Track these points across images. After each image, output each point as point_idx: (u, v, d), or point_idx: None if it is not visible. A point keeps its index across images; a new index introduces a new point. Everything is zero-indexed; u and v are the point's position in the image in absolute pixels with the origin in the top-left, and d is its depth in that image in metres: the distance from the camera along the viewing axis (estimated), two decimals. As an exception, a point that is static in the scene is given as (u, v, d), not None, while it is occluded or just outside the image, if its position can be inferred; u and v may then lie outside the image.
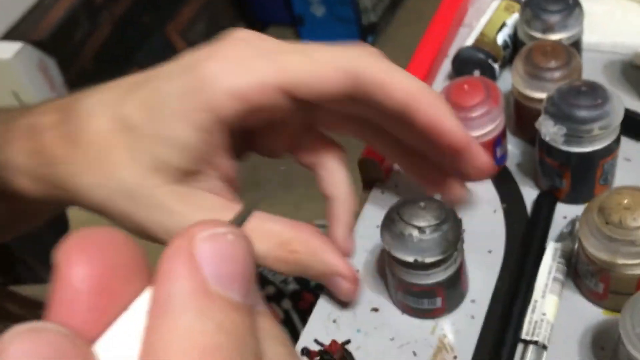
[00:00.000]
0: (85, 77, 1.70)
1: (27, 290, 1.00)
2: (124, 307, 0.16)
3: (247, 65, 0.33)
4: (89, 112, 0.34)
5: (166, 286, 0.15)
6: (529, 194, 0.56)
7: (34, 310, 0.39)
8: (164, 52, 1.94)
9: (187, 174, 0.34)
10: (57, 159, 0.34)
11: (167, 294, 0.15)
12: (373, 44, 2.17)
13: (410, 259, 0.46)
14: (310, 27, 2.15)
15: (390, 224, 0.47)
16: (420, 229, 0.45)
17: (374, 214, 0.58)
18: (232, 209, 0.34)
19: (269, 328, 0.17)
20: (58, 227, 1.38)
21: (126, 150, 0.33)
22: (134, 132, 0.33)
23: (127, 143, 0.32)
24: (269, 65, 0.33)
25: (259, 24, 2.28)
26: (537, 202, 0.55)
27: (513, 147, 0.60)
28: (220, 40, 0.35)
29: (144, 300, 0.16)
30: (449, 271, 0.47)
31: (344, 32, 2.12)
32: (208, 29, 2.09)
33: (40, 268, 1.34)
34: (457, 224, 0.47)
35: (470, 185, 0.58)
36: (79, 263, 0.16)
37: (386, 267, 0.50)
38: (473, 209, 0.56)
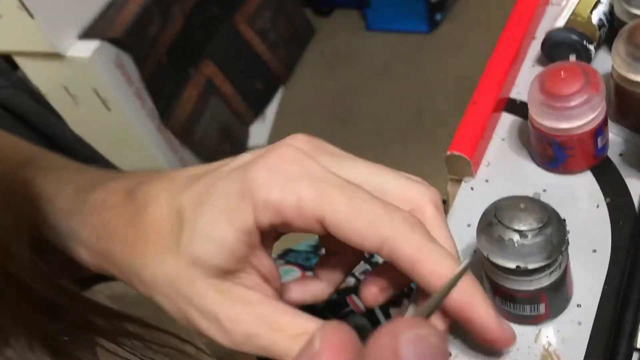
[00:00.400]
0: (160, 71, 1.73)
1: (114, 286, 1.03)
2: None
3: (292, 183, 0.33)
4: (151, 197, 0.37)
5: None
6: (636, 186, 0.52)
7: (123, 323, 0.41)
8: (233, 42, 1.95)
9: (227, 272, 0.35)
10: (116, 236, 0.37)
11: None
12: (442, 21, 2.11)
13: (511, 265, 0.43)
14: (376, 7, 2.11)
15: (487, 227, 0.44)
16: (522, 233, 0.42)
17: (463, 212, 0.55)
18: (268, 303, 0.35)
19: None
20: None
21: (174, 240, 0.35)
22: (184, 224, 0.35)
23: (177, 233, 0.35)
24: (312, 193, 0.33)
25: (325, 9, 2.25)
26: (646, 196, 0.50)
27: (614, 135, 0.55)
28: (276, 147, 0.36)
29: None
30: (554, 276, 0.44)
31: (411, 10, 2.06)
32: (274, 16, 2.09)
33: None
34: (562, 226, 0.43)
35: (569, 179, 0.54)
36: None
37: (482, 270, 0.47)
38: (573, 205, 0.53)
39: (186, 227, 0.34)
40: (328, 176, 0.34)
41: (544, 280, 0.44)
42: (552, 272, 0.44)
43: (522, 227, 0.43)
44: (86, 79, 1.59)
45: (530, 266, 0.42)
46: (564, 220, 0.45)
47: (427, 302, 0.24)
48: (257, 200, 0.33)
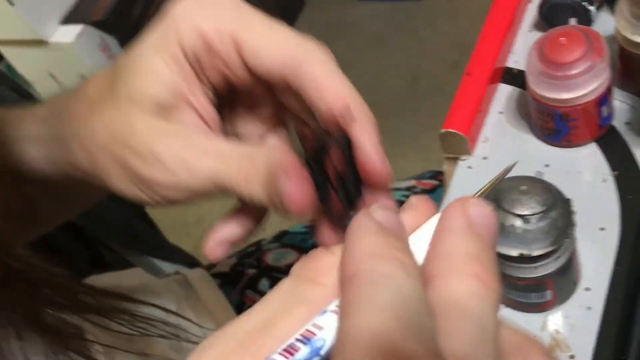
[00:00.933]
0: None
1: (106, 278, 1.01)
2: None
3: (213, 8, 0.35)
4: (93, 76, 0.38)
5: (450, 223, 0.23)
6: (645, 157, 0.48)
7: (109, 299, 0.43)
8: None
9: (163, 109, 0.35)
10: (64, 116, 0.38)
11: (451, 227, 0.23)
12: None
13: (514, 252, 0.39)
14: (366, -25, 2.04)
15: (487, 212, 0.41)
16: (525, 218, 0.39)
17: (461, 193, 0.51)
18: (208, 135, 0.35)
19: None
20: (141, 216, 1.39)
21: (110, 89, 0.35)
22: (118, 71, 0.36)
23: (112, 82, 0.35)
24: (232, 14, 0.35)
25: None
26: (656, 167, 0.47)
27: (619, 103, 0.52)
28: None
29: (433, 222, 0.24)
30: (560, 261, 0.41)
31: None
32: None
33: (124, 252, 1.36)
34: (567, 208, 0.40)
35: (573, 152, 0.51)
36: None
37: (484, 258, 0.44)
38: (579, 180, 0.49)
39: (120, 73, 0.36)
40: (247, 7, 0.35)
41: (550, 266, 0.41)
42: (558, 257, 0.40)
43: (525, 212, 0.39)
44: (71, 65, 1.55)
45: (535, 253, 0.39)
46: (570, 200, 0.41)
47: (481, 190, 0.28)
48: (180, 26, 0.34)
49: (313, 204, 0.30)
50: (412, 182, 0.79)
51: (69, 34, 1.59)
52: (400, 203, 0.74)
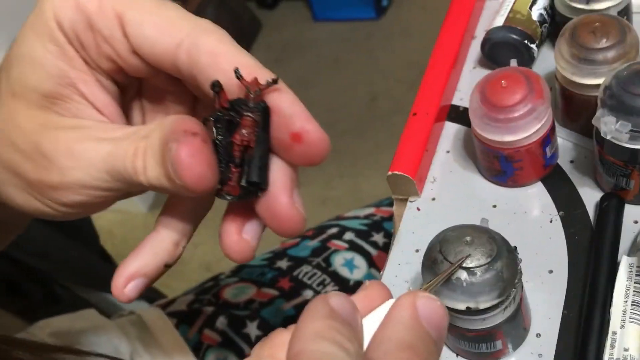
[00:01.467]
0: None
1: (57, 322, 0.98)
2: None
3: None
4: None
5: (396, 313, 0.26)
6: (590, 196, 0.48)
7: (49, 354, 0.42)
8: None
9: (50, 100, 0.31)
10: None
11: (396, 317, 0.26)
12: (389, 7, 2.06)
13: (461, 306, 0.39)
14: (321, -3, 2.05)
15: (432, 265, 0.40)
16: (470, 271, 0.38)
17: (410, 236, 0.51)
18: (100, 124, 0.32)
19: None
20: (95, 250, 1.35)
21: None
22: (3, 65, 0.32)
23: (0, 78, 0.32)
24: None
25: (270, 1, 2.19)
26: (601, 207, 0.47)
27: (563, 141, 0.52)
28: None
29: (385, 307, 0.27)
30: (508, 311, 0.40)
31: (358, -2, 2.01)
32: (218, 12, 2.02)
33: (79, 289, 1.32)
34: (513, 257, 0.40)
35: (519, 192, 0.51)
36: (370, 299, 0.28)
37: (433, 308, 0.43)
38: (526, 220, 0.49)
39: (4, 65, 0.32)
40: None
41: (498, 317, 0.40)
42: (506, 307, 0.40)
43: (470, 264, 0.39)
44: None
45: (482, 306, 0.39)
46: (515, 248, 0.41)
47: (431, 283, 0.33)
48: (56, 9, 0.30)
49: (211, 175, 0.27)
50: (372, 210, 0.78)
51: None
52: (360, 232, 0.73)
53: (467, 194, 0.52)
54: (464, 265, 0.39)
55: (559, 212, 0.49)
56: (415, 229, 0.51)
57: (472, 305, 0.38)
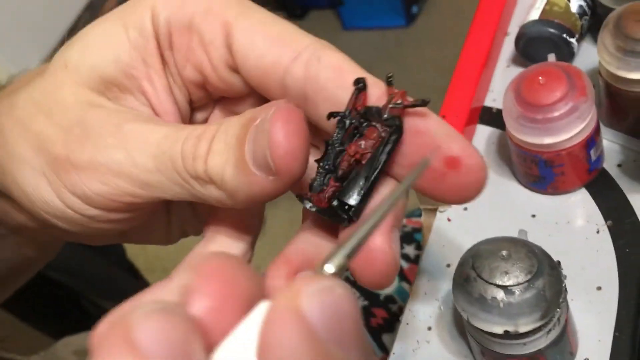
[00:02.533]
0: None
1: (79, 339, 0.96)
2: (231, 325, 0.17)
3: None
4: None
5: (273, 334, 0.15)
6: (641, 203, 0.44)
7: None
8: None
9: (107, 86, 0.26)
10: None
11: (274, 342, 0.15)
12: (419, 14, 2.03)
13: (497, 329, 0.34)
14: (350, 5, 2.03)
15: (465, 283, 0.36)
16: (508, 290, 0.34)
17: (440, 249, 0.47)
18: (157, 121, 0.26)
19: None
20: (120, 264, 1.34)
21: (44, 67, 0.28)
22: (65, 46, 0.28)
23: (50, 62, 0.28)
24: None
25: (299, 11, 2.17)
26: (654, 215, 0.42)
27: (609, 143, 0.47)
28: None
29: (258, 314, 0.16)
30: (552, 335, 0.36)
31: (387, 5, 1.98)
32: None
33: (105, 303, 1.31)
34: (556, 273, 0.35)
35: (561, 200, 0.46)
36: (205, 294, 0.17)
37: (466, 330, 0.39)
38: (569, 232, 0.44)
39: (67, 45, 0.27)
40: None
41: (541, 342, 0.36)
42: (549, 330, 0.35)
43: (507, 282, 0.34)
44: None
45: (522, 329, 0.34)
46: (559, 263, 0.36)
47: (349, 239, 0.18)
48: (157, 1, 0.26)
49: (303, 157, 0.22)
50: (403, 220, 0.74)
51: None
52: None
53: (503, 202, 0.47)
54: (499, 283, 0.34)
55: (606, 221, 0.44)
56: (446, 242, 0.47)
57: (510, 328, 0.34)
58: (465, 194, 0.24)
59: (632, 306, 0.40)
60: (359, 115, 0.24)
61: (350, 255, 0.18)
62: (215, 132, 0.23)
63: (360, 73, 0.24)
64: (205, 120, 0.29)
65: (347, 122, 0.24)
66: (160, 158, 0.24)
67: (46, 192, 0.26)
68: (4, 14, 1.43)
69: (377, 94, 0.24)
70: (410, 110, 0.23)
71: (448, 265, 0.46)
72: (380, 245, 0.23)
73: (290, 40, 0.25)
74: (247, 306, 0.17)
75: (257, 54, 0.25)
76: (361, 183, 0.23)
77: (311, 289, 0.15)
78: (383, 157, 0.23)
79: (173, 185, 0.24)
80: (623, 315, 0.40)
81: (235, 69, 0.26)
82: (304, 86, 0.25)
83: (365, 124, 0.24)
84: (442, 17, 2.00)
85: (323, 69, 0.24)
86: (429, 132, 0.23)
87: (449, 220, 0.48)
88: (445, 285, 0.45)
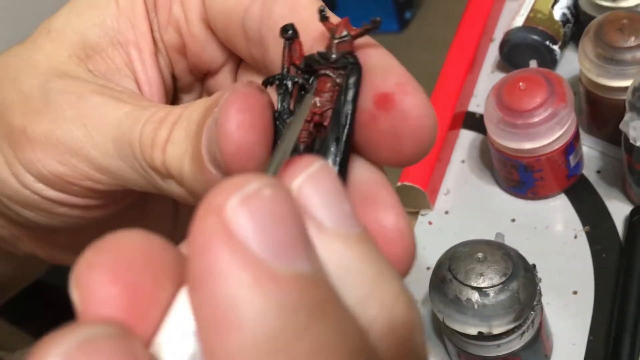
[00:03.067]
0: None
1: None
2: (162, 312, 0.14)
3: None
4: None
5: (209, 286, 0.12)
6: (618, 209, 0.44)
7: None
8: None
9: (88, 53, 0.24)
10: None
11: (213, 295, 0.12)
12: (412, 19, 2.03)
13: (472, 330, 0.35)
14: (343, 9, 2.03)
15: (440, 284, 0.36)
16: (482, 291, 0.35)
17: (421, 252, 0.47)
18: (135, 97, 0.24)
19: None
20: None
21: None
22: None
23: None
24: None
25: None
26: (631, 221, 0.42)
27: (589, 149, 0.48)
28: None
29: (183, 300, 0.14)
30: (526, 336, 0.36)
31: (379, 10, 1.99)
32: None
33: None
34: (530, 275, 0.36)
35: (540, 205, 0.47)
36: (102, 283, 0.13)
37: (442, 332, 0.39)
38: (547, 236, 0.45)
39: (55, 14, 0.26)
40: None
41: (515, 343, 0.36)
42: (523, 332, 0.36)
43: (482, 284, 0.35)
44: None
45: (496, 330, 0.35)
46: (534, 266, 0.37)
47: (273, 155, 0.16)
48: None
49: (259, 151, 0.18)
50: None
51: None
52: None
53: (484, 207, 0.48)
54: (474, 285, 0.35)
55: (584, 227, 0.44)
56: (427, 245, 0.47)
57: (485, 329, 0.35)
58: (403, 147, 0.18)
59: (606, 311, 0.40)
60: (300, 71, 0.20)
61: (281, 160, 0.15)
62: (178, 117, 0.20)
63: (315, 5, 0.20)
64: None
65: (289, 83, 0.20)
66: (120, 141, 0.21)
67: (1, 167, 0.23)
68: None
69: (313, 35, 0.20)
70: (360, 41, 0.19)
71: (428, 268, 0.46)
72: (396, 224, 0.18)
73: None
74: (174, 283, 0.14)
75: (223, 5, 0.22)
76: (332, 149, 0.18)
77: (235, 198, 0.12)
78: (349, 108, 0.18)
79: (134, 174, 0.22)
80: (598, 319, 0.40)
81: (208, 25, 0.24)
82: (259, 29, 0.22)
83: (312, 79, 0.19)
84: (436, 22, 2.01)
85: (277, 4, 0.21)
86: (364, 65, 0.19)
87: (430, 223, 0.49)
88: (425, 288, 0.45)
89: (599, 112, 0.45)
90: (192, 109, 0.20)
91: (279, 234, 0.12)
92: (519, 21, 0.51)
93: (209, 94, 0.26)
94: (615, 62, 0.42)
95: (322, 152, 0.19)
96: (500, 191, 0.48)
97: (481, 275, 0.35)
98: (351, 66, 0.19)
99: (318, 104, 0.19)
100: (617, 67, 0.42)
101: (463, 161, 0.51)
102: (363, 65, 0.19)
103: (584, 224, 0.44)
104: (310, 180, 0.14)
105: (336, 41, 0.19)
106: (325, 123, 0.19)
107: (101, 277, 0.13)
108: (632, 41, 0.42)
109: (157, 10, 0.25)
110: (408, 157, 0.19)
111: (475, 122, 0.52)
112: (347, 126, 0.18)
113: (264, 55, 0.22)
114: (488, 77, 0.55)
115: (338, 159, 0.18)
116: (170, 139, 0.20)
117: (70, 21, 0.24)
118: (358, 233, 0.14)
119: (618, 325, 0.38)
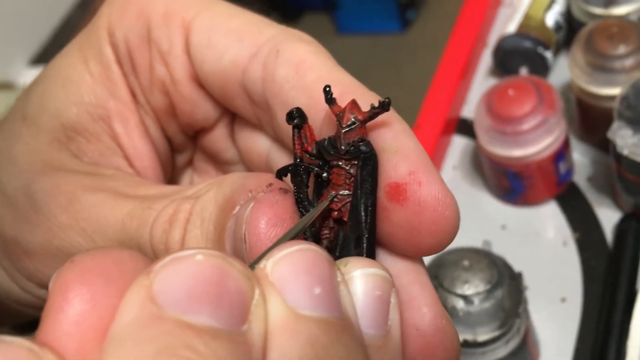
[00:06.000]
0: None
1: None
2: None
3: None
4: None
5: (116, 322, 0.13)
6: (608, 216, 0.44)
7: None
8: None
9: (71, 135, 0.22)
10: None
11: (115, 329, 0.13)
12: (414, 19, 2.03)
13: (457, 338, 0.35)
14: (345, 9, 2.03)
15: (427, 291, 0.36)
16: (467, 299, 0.35)
17: (413, 257, 0.47)
18: (125, 178, 0.22)
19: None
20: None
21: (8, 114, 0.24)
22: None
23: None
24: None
25: (293, 13, 2.18)
26: (620, 228, 0.43)
27: (580, 156, 0.48)
28: None
29: None
30: (512, 344, 0.36)
31: (382, 10, 1.99)
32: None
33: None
34: (516, 283, 0.36)
35: (530, 212, 0.47)
36: (75, 300, 0.14)
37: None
38: (536, 243, 0.45)
39: (29, 87, 0.24)
40: None
41: (500, 351, 0.36)
42: (508, 340, 0.36)
43: (467, 291, 0.35)
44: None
45: (481, 338, 0.35)
46: (520, 274, 0.37)
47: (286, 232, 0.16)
48: (112, 17, 0.22)
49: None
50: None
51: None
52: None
53: (474, 213, 0.48)
54: (459, 292, 0.35)
55: (573, 234, 0.44)
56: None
57: (469, 337, 0.35)
58: (420, 240, 0.17)
59: (594, 319, 0.40)
60: (314, 157, 0.18)
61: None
62: (189, 214, 0.19)
63: (326, 71, 0.19)
64: (187, 164, 0.26)
65: (303, 174, 0.18)
66: (127, 244, 0.20)
67: (0, 276, 0.23)
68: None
69: (321, 115, 0.19)
70: (377, 122, 0.18)
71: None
72: (434, 326, 0.17)
73: (251, 32, 0.20)
74: None
75: (215, 54, 0.21)
76: (354, 250, 0.17)
77: (161, 262, 0.13)
78: (367, 201, 0.17)
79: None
80: (585, 327, 0.40)
81: (199, 83, 0.22)
82: (262, 91, 0.20)
83: (327, 167, 0.18)
84: (438, 24, 2.00)
85: (280, 65, 0.19)
86: (377, 147, 0.17)
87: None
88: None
89: (590, 119, 0.46)
90: (202, 205, 0.19)
91: (188, 291, 0.13)
92: (512, 27, 0.52)
93: (205, 151, 0.25)
94: (604, 70, 0.42)
95: (344, 251, 0.17)
96: (491, 198, 0.48)
97: (466, 282, 0.35)
98: (363, 155, 0.17)
99: (335, 200, 0.18)
100: (607, 75, 0.42)
101: (455, 167, 0.51)
102: (376, 149, 0.17)
103: (573, 231, 0.45)
104: (284, 259, 0.14)
105: (344, 130, 0.17)
106: (345, 218, 0.17)
107: (77, 291, 0.14)
108: (621, 49, 0.42)
109: (136, 72, 0.23)
110: (427, 249, 0.17)
111: (467, 129, 0.52)
112: (368, 222, 0.17)
113: (272, 120, 0.20)
114: (481, 83, 0.55)
115: (364, 249, 0.17)
116: (186, 241, 0.19)
117: (45, 104, 0.22)
118: (324, 317, 0.14)
119: (605, 332, 0.38)
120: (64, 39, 1.59)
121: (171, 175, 0.25)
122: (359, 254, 0.17)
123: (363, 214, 0.17)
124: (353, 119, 0.17)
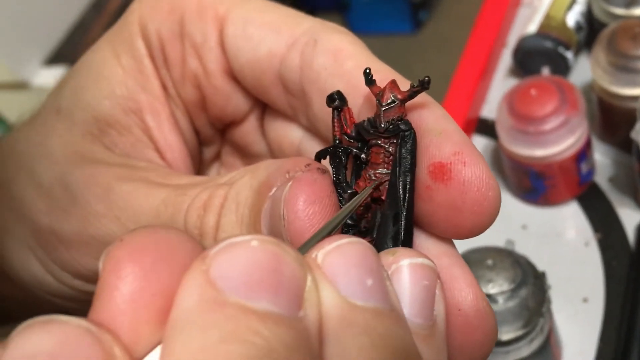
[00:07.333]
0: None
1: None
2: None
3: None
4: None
5: (176, 307, 0.13)
6: (630, 217, 0.44)
7: None
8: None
9: (103, 128, 0.23)
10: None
11: (176, 314, 0.13)
12: (426, 20, 2.03)
13: (481, 337, 0.35)
14: (357, 9, 2.03)
15: (450, 290, 0.36)
16: (491, 298, 0.35)
17: (433, 257, 0.47)
18: (155, 169, 0.23)
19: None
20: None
21: (40, 110, 0.24)
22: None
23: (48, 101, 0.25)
24: None
25: (304, 12, 2.18)
26: (642, 229, 0.42)
27: (601, 156, 0.48)
28: None
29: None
30: (535, 344, 0.36)
31: (394, 11, 1.99)
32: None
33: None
34: (540, 283, 0.36)
35: (552, 212, 0.47)
36: (129, 277, 0.14)
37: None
38: (558, 243, 0.45)
39: (61, 81, 0.24)
40: None
41: (524, 350, 0.36)
42: (532, 339, 0.36)
43: (491, 290, 0.35)
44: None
45: (505, 337, 0.35)
46: (544, 274, 0.37)
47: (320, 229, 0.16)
48: (144, 12, 0.23)
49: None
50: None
51: (51, 75, 1.56)
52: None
53: (495, 212, 0.48)
54: (483, 291, 0.35)
55: (595, 234, 0.44)
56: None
57: (493, 336, 0.35)
58: (462, 221, 0.17)
59: (617, 318, 0.40)
60: (352, 139, 0.18)
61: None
62: (224, 199, 0.19)
63: (364, 59, 0.20)
64: (215, 158, 0.26)
65: (342, 155, 0.18)
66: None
67: (35, 267, 0.23)
68: (3, 12, 1.43)
69: (363, 93, 0.19)
70: (413, 101, 0.18)
71: (438, 273, 0.46)
72: (475, 307, 0.17)
73: (287, 24, 0.21)
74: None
75: (251, 46, 0.21)
76: (391, 227, 0.17)
77: (216, 247, 0.13)
78: (406, 179, 0.17)
79: None
80: (608, 327, 0.40)
81: (232, 75, 0.23)
82: (299, 80, 0.20)
83: (366, 148, 0.18)
84: (450, 24, 2.00)
85: (318, 54, 0.20)
86: (419, 129, 0.18)
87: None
88: (435, 292, 0.46)
89: (611, 119, 0.46)
90: (237, 190, 0.19)
91: (247, 277, 0.13)
92: (532, 27, 0.52)
93: (233, 144, 0.25)
94: (627, 70, 0.42)
95: (382, 230, 0.17)
96: (512, 198, 0.48)
97: (490, 281, 0.35)
98: (402, 134, 0.17)
99: (373, 177, 0.18)
100: (629, 75, 0.42)
101: (475, 167, 0.51)
102: (416, 129, 0.18)
103: (595, 231, 0.45)
104: (335, 251, 0.14)
105: (384, 109, 0.18)
106: (383, 197, 0.18)
107: (130, 270, 0.14)
108: (645, 50, 0.42)
109: (168, 65, 0.23)
110: (469, 231, 0.18)
111: (488, 128, 0.52)
112: (407, 200, 0.17)
113: (307, 109, 0.21)
114: (501, 83, 0.55)
115: (401, 237, 0.17)
116: (221, 226, 0.19)
117: (77, 98, 0.23)
118: (378, 308, 0.14)
119: (628, 332, 0.38)
120: (78, 39, 1.60)
121: (199, 169, 0.25)
122: (397, 231, 0.17)
123: (401, 191, 0.17)
124: (393, 98, 0.18)
